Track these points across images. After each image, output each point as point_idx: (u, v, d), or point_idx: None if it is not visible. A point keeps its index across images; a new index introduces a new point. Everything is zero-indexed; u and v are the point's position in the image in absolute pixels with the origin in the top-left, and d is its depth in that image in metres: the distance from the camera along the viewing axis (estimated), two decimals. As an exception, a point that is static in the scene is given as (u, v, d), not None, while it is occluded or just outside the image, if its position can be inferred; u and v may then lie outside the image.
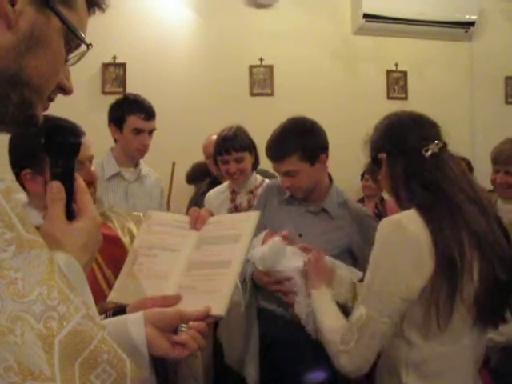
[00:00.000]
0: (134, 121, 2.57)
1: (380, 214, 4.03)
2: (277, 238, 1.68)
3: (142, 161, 2.73)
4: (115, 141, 2.67)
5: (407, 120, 1.51)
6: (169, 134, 3.69)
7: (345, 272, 1.68)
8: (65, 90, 0.79)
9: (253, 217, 1.28)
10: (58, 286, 0.57)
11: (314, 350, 1.65)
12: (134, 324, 0.97)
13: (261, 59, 4.32)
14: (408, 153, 1.45)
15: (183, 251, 1.29)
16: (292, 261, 1.68)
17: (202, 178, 3.45)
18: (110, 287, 1.37)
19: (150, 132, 2.63)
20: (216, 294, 1.12)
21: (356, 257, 1.89)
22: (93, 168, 1.51)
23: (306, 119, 1.98)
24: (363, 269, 1.74)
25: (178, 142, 3.90)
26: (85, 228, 0.75)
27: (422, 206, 1.36)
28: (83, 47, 0.75)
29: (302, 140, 1.89)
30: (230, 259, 1.18)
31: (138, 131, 2.57)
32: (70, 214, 0.75)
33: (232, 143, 2.52)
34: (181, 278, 1.23)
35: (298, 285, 1.64)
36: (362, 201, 4.28)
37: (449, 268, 1.28)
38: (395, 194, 1.49)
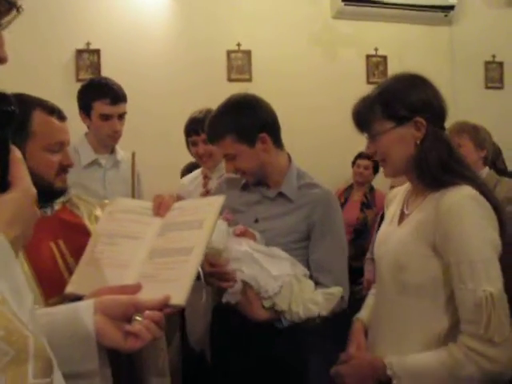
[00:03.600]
0: (99, 106, 2.44)
1: (368, 204, 3.98)
2: (219, 221, 1.59)
3: (117, 146, 2.65)
4: (88, 128, 2.58)
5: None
6: (144, 120, 3.62)
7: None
8: None
9: (217, 201, 1.24)
10: None
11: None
12: (84, 311, 0.92)
13: (238, 44, 4.25)
14: (443, 125, 1.45)
15: (146, 239, 1.25)
16: (235, 244, 1.59)
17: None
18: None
19: (120, 116, 2.49)
20: (176, 283, 1.08)
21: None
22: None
23: (244, 96, 1.79)
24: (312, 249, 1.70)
25: (153, 128, 3.84)
26: (14, 199, 0.69)
27: (473, 181, 1.38)
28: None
29: (235, 120, 1.71)
30: (191, 246, 1.14)
31: (105, 117, 2.44)
32: (4, 187, 0.69)
33: (201, 124, 2.47)
34: (142, 267, 1.19)
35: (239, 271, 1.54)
36: (350, 188, 4.18)
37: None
38: (419, 164, 1.41)
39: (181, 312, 2.16)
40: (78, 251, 1.38)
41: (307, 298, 1.55)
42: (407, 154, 1.42)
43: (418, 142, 1.41)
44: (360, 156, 4.20)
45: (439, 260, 1.35)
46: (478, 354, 1.26)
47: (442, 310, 1.37)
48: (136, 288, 1.08)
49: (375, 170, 4.21)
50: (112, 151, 2.61)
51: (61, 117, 1.41)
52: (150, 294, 1.05)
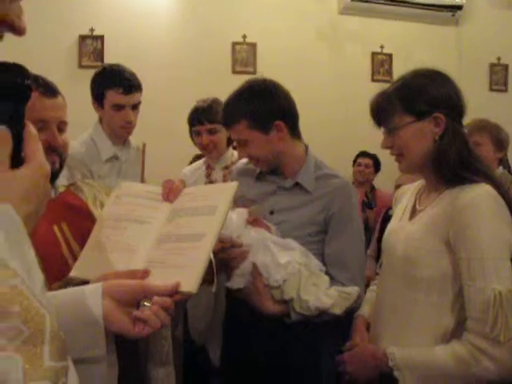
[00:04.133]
0: (112, 96, 2.32)
1: (369, 204, 3.94)
2: (241, 209, 1.54)
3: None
4: (100, 118, 2.46)
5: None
6: (147, 109, 3.56)
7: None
8: (15, 29, 0.68)
9: (230, 188, 1.19)
10: None
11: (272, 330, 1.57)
12: (91, 295, 0.88)
13: (244, 36, 4.21)
14: (461, 121, 1.43)
15: (154, 224, 1.21)
16: (248, 231, 1.53)
17: None
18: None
19: (134, 106, 2.38)
20: (187, 269, 1.03)
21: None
22: (64, 136, 1.40)
23: (263, 81, 1.72)
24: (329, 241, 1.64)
25: (156, 117, 3.78)
26: (28, 175, 0.65)
27: (492, 180, 1.37)
28: None
29: (250, 105, 1.63)
30: (203, 232, 1.10)
31: (118, 107, 2.33)
32: (17, 162, 0.66)
33: (205, 114, 2.45)
34: (150, 252, 1.15)
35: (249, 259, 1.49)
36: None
37: None
38: (438, 160, 1.39)
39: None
40: (82, 236, 1.34)
41: (321, 290, 1.50)
42: (425, 149, 1.42)
43: (437, 137, 1.40)
44: (361, 155, 4.17)
45: (451, 256, 1.34)
46: (482, 353, 1.26)
47: (449, 307, 1.36)
48: (144, 273, 1.04)
49: (376, 169, 4.19)
50: (125, 142, 2.52)
51: (48, 92, 1.30)
52: (158, 279, 1.01)
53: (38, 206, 0.67)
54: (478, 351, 1.26)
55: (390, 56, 4.59)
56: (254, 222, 1.56)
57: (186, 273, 1.02)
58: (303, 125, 1.82)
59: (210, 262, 1.07)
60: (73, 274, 1.18)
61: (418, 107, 1.40)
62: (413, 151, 1.42)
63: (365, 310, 1.65)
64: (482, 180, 1.36)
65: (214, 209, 1.14)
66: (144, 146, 2.63)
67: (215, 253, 1.34)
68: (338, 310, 1.51)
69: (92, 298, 0.88)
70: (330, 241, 1.66)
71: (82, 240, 1.32)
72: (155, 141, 3.61)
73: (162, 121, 3.80)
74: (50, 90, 1.31)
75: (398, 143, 1.44)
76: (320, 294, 1.48)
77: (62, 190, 1.42)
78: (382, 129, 1.48)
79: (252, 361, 1.66)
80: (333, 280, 1.58)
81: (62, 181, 1.44)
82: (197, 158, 3.53)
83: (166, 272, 1.05)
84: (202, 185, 2.46)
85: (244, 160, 1.86)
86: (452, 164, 1.38)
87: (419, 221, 1.44)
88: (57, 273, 1.25)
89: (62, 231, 1.34)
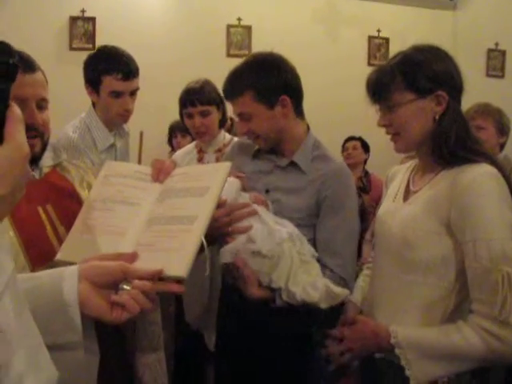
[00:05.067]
0: (110, 82, 2.16)
1: (364, 188, 3.91)
2: (232, 179, 1.49)
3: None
4: (93, 103, 2.31)
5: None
6: (141, 92, 3.50)
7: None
8: None
9: (222, 168, 1.14)
10: None
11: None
12: (69, 278, 0.84)
13: (239, 19, 4.14)
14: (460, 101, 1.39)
15: (143, 205, 1.16)
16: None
17: None
18: (62, 244, 1.24)
19: (133, 93, 2.24)
20: (178, 253, 0.99)
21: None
22: (45, 114, 1.33)
23: (270, 54, 1.66)
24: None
25: (150, 100, 3.71)
26: (5, 155, 0.61)
27: (491, 160, 1.32)
28: None
29: (257, 77, 1.57)
30: (195, 214, 1.05)
31: (116, 94, 2.18)
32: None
33: (197, 95, 2.37)
34: (139, 235, 1.11)
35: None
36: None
37: None
38: (438, 139, 1.34)
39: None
40: (68, 218, 1.29)
41: (309, 280, 1.46)
42: (425, 128, 1.36)
43: (437, 116, 1.35)
44: (347, 140, 4.17)
45: (450, 238, 1.30)
46: (490, 335, 1.22)
47: (447, 290, 1.32)
48: (132, 257, 1.00)
49: (365, 150, 4.18)
50: (119, 128, 2.40)
51: (26, 68, 1.21)
52: (147, 263, 0.98)
53: (14, 188, 0.63)
54: (487, 333, 1.22)
55: (386, 40, 4.54)
56: (252, 196, 1.51)
57: (176, 256, 0.98)
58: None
59: (202, 245, 1.03)
60: (58, 256, 1.14)
61: (422, 84, 1.33)
62: (411, 130, 1.37)
63: (357, 296, 1.61)
64: (483, 160, 1.31)
65: (205, 190, 1.09)
66: (141, 134, 2.56)
67: (220, 217, 1.33)
68: (323, 305, 1.46)
69: (68, 280, 0.84)
70: (320, 225, 1.61)
71: (68, 222, 1.27)
72: (149, 123, 3.56)
73: (155, 103, 3.73)
74: (28, 66, 1.23)
75: (396, 121, 1.38)
76: (308, 287, 1.44)
77: (46, 170, 1.36)
78: (378, 106, 1.41)
79: (243, 349, 1.63)
80: (322, 266, 1.52)
81: (48, 161, 1.39)
82: (172, 129, 3.49)
83: (155, 256, 1.01)
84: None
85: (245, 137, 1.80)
86: (452, 144, 1.33)
87: (416, 201, 1.39)
88: (42, 255, 1.21)
89: (47, 213, 1.29)
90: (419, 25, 4.54)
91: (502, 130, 2.58)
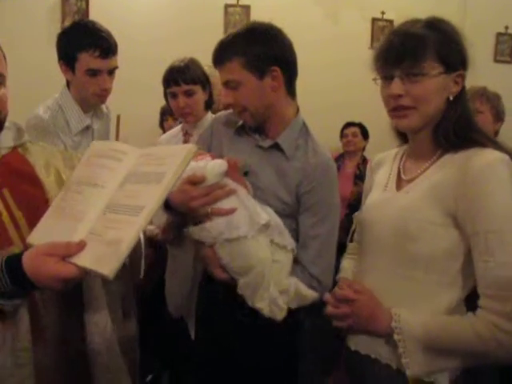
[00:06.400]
0: (86, 59, 2.00)
1: (361, 175, 3.82)
2: (220, 161, 1.41)
3: None
4: (67, 82, 2.16)
5: None
6: (134, 69, 3.41)
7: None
8: None
9: (185, 151, 1.04)
10: None
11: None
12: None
13: (237, -3, 4.03)
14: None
15: (108, 188, 1.10)
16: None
17: None
18: (19, 231, 1.20)
19: (111, 72, 2.09)
20: (115, 248, 0.95)
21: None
22: (2, 91, 1.23)
23: (268, 24, 1.56)
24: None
25: (143, 79, 3.62)
26: None
27: (498, 145, 1.23)
28: None
29: (248, 44, 1.48)
30: (143, 204, 0.98)
31: (93, 72, 2.03)
32: None
33: (182, 74, 2.27)
34: (95, 222, 1.05)
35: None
36: (341, 157, 4.08)
37: None
38: (448, 120, 1.26)
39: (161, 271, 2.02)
40: (26, 203, 1.23)
41: (274, 296, 1.39)
42: (439, 106, 1.26)
43: (451, 97, 1.26)
44: (346, 125, 4.10)
45: (455, 230, 1.21)
46: (502, 332, 1.13)
47: (449, 285, 1.24)
48: (79, 246, 1.01)
49: (364, 137, 4.10)
50: (96, 108, 2.25)
51: None
52: (92, 254, 0.97)
53: None
54: (498, 330, 1.14)
55: (391, 22, 4.41)
56: (234, 178, 1.43)
57: (112, 252, 0.94)
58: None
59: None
60: (28, 240, 1.14)
61: (452, 59, 1.24)
62: (430, 105, 1.25)
63: (347, 274, 1.50)
64: (491, 145, 1.22)
65: (161, 177, 1.00)
66: (118, 117, 2.43)
67: (197, 197, 1.35)
68: (292, 305, 1.43)
69: None
70: (299, 220, 1.53)
71: (26, 207, 1.22)
72: (142, 102, 3.46)
73: (148, 81, 3.63)
74: None
75: (417, 92, 1.24)
76: (272, 304, 1.39)
77: (5, 152, 1.27)
78: (396, 73, 1.26)
79: (221, 338, 1.58)
80: (296, 261, 1.46)
81: (7, 142, 1.29)
82: (163, 112, 3.40)
83: (98, 249, 0.98)
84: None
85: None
86: (463, 126, 1.25)
87: (415, 189, 1.28)
88: (-1, 242, 1.14)
89: (3, 197, 1.22)
90: (425, 7, 4.36)
91: (497, 116, 2.48)
